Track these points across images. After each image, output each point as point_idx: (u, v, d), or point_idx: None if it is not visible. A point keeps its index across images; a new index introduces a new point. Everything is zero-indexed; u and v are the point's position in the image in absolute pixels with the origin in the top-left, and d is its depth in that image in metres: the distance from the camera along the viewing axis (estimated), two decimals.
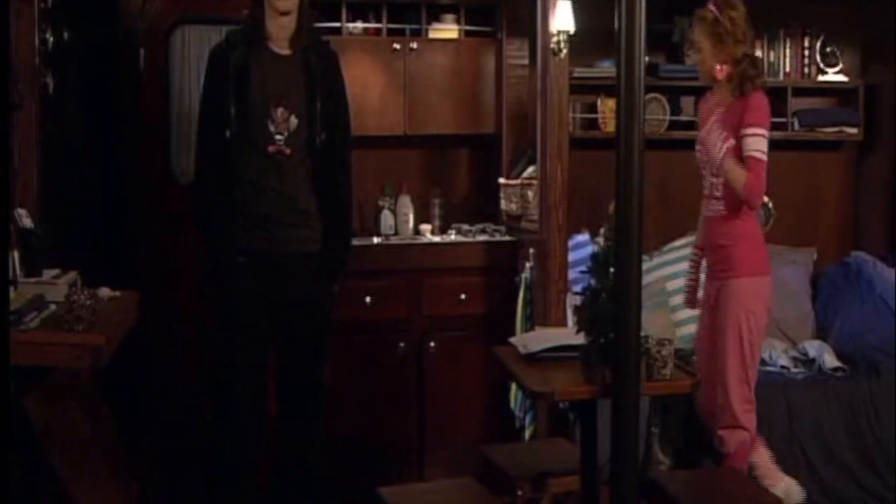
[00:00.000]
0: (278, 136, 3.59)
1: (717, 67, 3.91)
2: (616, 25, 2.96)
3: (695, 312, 4.78)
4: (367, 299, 4.59)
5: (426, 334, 4.68)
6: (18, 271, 3.14)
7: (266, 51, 3.63)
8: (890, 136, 5.27)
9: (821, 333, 4.87)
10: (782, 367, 4.47)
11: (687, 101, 5.27)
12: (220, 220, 3.60)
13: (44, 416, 3.12)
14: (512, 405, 4.59)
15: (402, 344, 4.57)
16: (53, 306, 2.98)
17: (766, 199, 5.32)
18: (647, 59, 4.91)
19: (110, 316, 3.04)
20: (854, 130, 5.27)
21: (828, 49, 5.29)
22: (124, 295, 3.35)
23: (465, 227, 4.88)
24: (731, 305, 3.89)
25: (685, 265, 4.85)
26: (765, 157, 3.84)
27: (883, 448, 4.36)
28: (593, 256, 3.18)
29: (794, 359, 4.55)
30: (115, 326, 3.04)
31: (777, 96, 5.22)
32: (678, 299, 4.76)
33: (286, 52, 3.65)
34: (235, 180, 3.60)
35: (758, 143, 3.85)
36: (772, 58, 5.25)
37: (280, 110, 3.59)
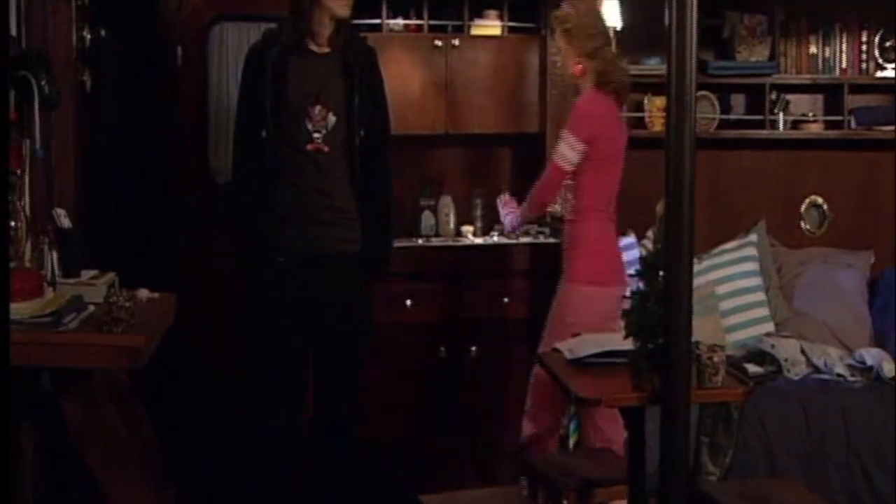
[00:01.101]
0: (316, 134, 3.57)
1: (573, 64, 3.99)
2: (666, 21, 2.87)
3: (746, 317, 4.67)
4: (408, 302, 4.51)
5: (467, 338, 4.60)
6: (57, 272, 3.12)
7: (304, 49, 3.62)
8: None
9: (878, 340, 4.71)
10: (838, 375, 4.33)
11: (737, 99, 5.14)
12: (257, 220, 3.58)
13: (81, 417, 3.11)
14: None
15: (442, 348, 4.47)
16: (92, 307, 2.95)
17: (820, 200, 5.19)
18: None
19: (149, 317, 3.01)
20: None
21: (887, 43, 5.10)
22: (162, 296, 3.32)
23: None
24: (553, 309, 4.01)
25: (736, 268, 4.75)
26: (563, 163, 3.97)
27: None
28: (642, 259, 3.13)
29: (851, 366, 4.40)
30: (154, 328, 3.02)
31: (833, 93, 5.09)
32: (729, 304, 4.65)
33: (325, 49, 3.64)
34: (272, 179, 3.58)
35: (561, 148, 3.98)
36: (827, 54, 5.07)
37: (318, 108, 3.58)
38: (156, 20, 4.24)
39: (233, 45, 4.37)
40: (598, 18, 4.04)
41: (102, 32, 4.10)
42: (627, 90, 4.17)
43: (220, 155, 4.37)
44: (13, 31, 3.11)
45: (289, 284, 3.60)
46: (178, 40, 4.29)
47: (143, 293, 3.19)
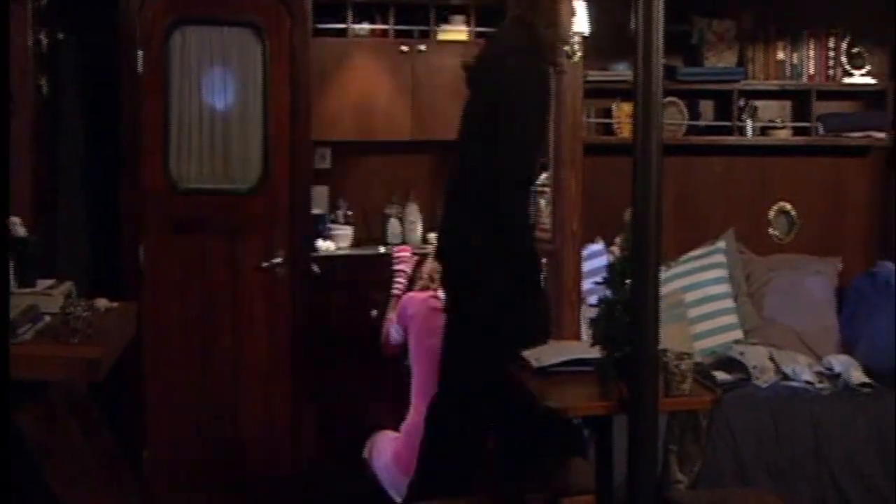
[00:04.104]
0: None
1: None
2: (633, 26, 2.84)
3: (715, 325, 4.65)
4: (373, 311, 4.45)
5: None
6: (12, 282, 3.03)
7: None
8: None
9: (846, 347, 4.70)
10: (807, 382, 4.30)
11: (706, 105, 5.12)
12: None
13: (39, 431, 3.02)
14: None
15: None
16: (48, 318, 2.88)
17: (788, 206, 5.19)
18: (664, 61, 4.91)
19: (108, 328, 2.94)
20: (882, 135, 5.09)
21: (854, 50, 5.10)
22: (122, 306, 3.24)
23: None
24: None
25: (705, 275, 4.73)
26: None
27: None
28: (609, 267, 3.09)
29: (819, 374, 4.38)
30: (113, 339, 2.95)
31: (801, 100, 5.08)
32: (698, 311, 4.62)
33: None
34: None
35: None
36: (794, 60, 5.07)
37: None
38: (116, 23, 4.14)
39: (195, 49, 4.28)
40: None
41: (61, 36, 4.02)
42: None
43: (182, 162, 4.29)
44: None
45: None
46: (140, 44, 4.20)
47: (102, 303, 3.12)
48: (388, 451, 4.02)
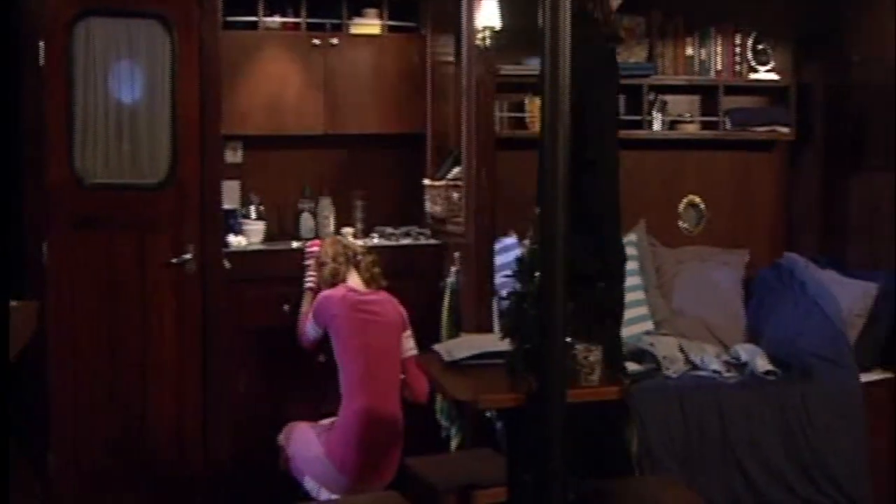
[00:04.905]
0: None
1: None
2: (540, 22, 2.85)
3: (626, 316, 4.70)
4: (285, 306, 4.41)
5: None
6: None
7: None
8: (822, 135, 5.21)
9: (753, 336, 4.80)
10: (714, 371, 4.38)
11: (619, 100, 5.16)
12: None
13: None
14: (438, 415, 4.44)
15: (321, 354, 4.35)
16: None
17: (697, 199, 5.28)
18: None
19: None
20: (786, 130, 5.21)
21: (759, 47, 5.22)
22: (21, 305, 3.13)
23: (389, 230, 4.73)
24: None
25: None
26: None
27: (815, 452, 4.30)
28: (518, 260, 3.10)
29: (726, 363, 4.47)
30: (12, 339, 2.83)
31: (709, 95, 5.18)
32: None
33: None
34: None
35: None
36: (702, 56, 5.17)
37: None
38: (17, 13, 4.01)
39: (101, 42, 4.17)
40: None
41: None
42: None
43: (88, 157, 4.18)
44: None
45: None
46: (42, 35, 4.08)
47: None
48: (314, 443, 3.97)
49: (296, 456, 4.03)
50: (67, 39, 4.11)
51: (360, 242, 4.47)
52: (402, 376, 4.05)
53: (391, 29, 4.82)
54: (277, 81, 4.61)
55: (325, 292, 4.05)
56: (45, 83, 4.09)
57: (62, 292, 4.12)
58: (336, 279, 4.11)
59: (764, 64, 5.23)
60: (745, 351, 4.51)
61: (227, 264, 4.33)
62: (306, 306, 4.18)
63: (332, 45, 4.68)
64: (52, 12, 4.08)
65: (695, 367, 4.43)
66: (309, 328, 4.06)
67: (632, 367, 4.31)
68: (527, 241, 4.67)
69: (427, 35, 4.78)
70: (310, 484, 3.98)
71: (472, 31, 4.24)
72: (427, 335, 4.20)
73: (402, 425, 4.01)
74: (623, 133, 5.00)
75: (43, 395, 4.11)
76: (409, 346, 4.09)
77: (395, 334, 4.04)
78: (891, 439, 4.57)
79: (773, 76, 5.23)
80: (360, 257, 4.15)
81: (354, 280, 4.10)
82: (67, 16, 4.10)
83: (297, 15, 4.70)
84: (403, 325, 4.07)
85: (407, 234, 4.72)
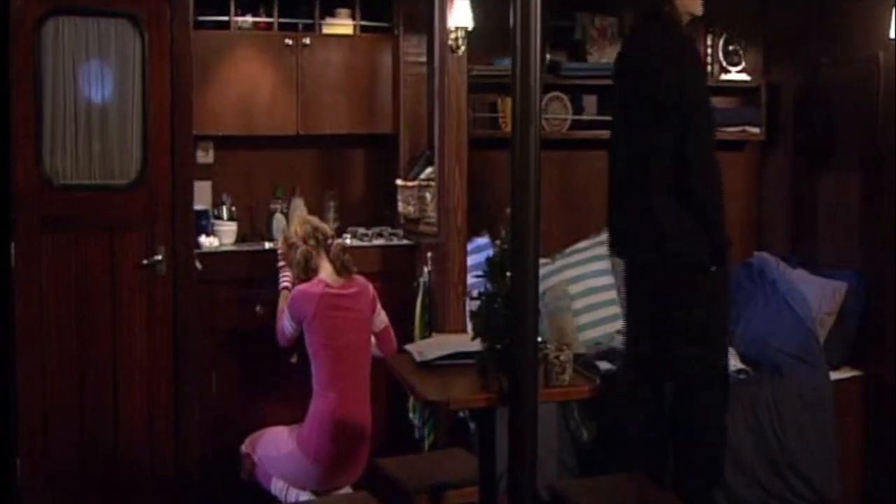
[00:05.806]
0: None
1: None
2: (511, 22, 2.85)
3: (598, 316, 4.73)
4: (258, 307, 4.39)
5: None
6: None
7: None
8: (792, 136, 5.25)
9: None
10: None
11: (589, 100, 5.20)
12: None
13: None
14: (410, 415, 4.45)
15: (295, 354, 4.33)
16: None
17: None
18: (547, 56, 4.97)
19: None
20: (756, 130, 5.25)
21: (730, 47, 5.26)
22: None
23: (361, 230, 4.72)
24: None
25: (588, 268, 4.80)
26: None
27: (786, 450, 4.34)
28: (489, 260, 3.10)
29: None
30: None
31: None
32: (581, 302, 4.69)
33: None
34: None
35: None
36: None
37: None
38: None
39: (70, 40, 4.13)
40: None
41: None
42: None
43: (57, 157, 4.15)
44: None
45: None
46: (10, 34, 4.04)
47: None
48: (286, 440, 3.97)
49: (264, 459, 4.01)
50: (34, 38, 4.06)
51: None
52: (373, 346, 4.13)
53: (364, 29, 4.81)
54: (249, 81, 4.59)
55: (301, 287, 4.02)
56: (12, 83, 4.05)
57: (31, 294, 4.08)
58: (309, 264, 4.07)
59: (735, 65, 5.26)
60: None
61: (198, 265, 4.31)
62: (283, 304, 4.16)
63: (305, 45, 4.66)
64: (19, 11, 4.04)
65: None
66: (286, 324, 4.04)
67: (604, 365, 4.34)
68: (499, 241, 4.72)
69: (399, 35, 4.77)
70: (278, 486, 3.97)
71: (445, 31, 4.26)
72: (400, 335, 4.21)
73: (370, 423, 4.02)
74: (596, 133, 5.06)
75: (11, 400, 4.07)
76: (381, 319, 4.13)
77: (366, 328, 4.05)
78: (860, 436, 4.62)
79: (744, 77, 5.27)
80: (330, 241, 4.12)
81: (326, 271, 4.07)
82: (35, 14, 4.06)
83: (269, 15, 4.68)
84: (373, 307, 4.09)
85: (380, 235, 4.71)
